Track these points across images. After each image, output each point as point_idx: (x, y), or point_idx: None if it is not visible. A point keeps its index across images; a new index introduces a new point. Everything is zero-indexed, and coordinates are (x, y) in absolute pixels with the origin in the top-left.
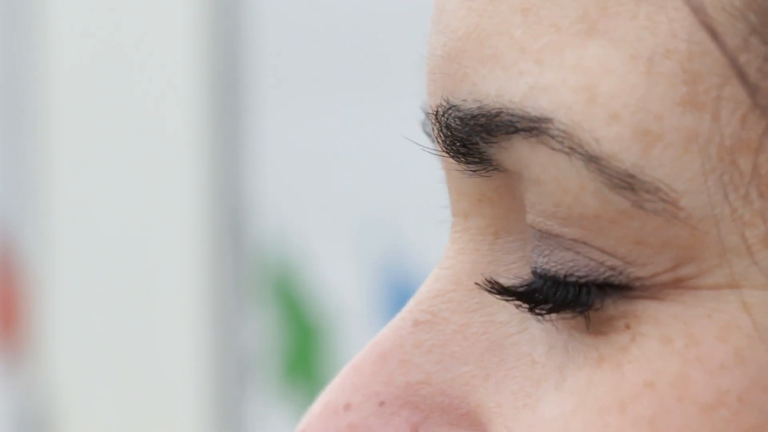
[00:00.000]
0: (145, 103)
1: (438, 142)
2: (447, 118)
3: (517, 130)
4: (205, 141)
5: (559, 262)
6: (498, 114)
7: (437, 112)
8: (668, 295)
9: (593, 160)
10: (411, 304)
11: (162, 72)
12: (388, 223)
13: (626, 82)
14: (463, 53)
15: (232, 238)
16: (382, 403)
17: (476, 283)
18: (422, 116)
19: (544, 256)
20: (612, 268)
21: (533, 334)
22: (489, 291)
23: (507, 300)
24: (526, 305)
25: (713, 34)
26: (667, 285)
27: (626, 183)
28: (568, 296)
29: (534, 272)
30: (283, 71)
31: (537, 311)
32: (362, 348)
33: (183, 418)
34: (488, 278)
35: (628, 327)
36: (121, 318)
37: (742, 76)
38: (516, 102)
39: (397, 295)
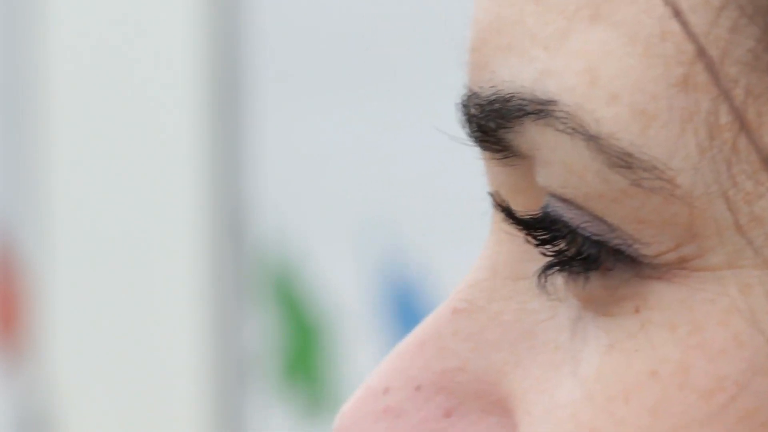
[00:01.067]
0: (145, 102)
1: (465, 130)
2: (469, 106)
3: (527, 114)
4: (205, 141)
5: (574, 212)
6: (510, 98)
7: (463, 101)
8: (675, 277)
9: (593, 140)
10: (452, 293)
11: (162, 72)
12: (388, 223)
13: (625, 63)
14: (485, 43)
15: (232, 238)
16: (418, 388)
17: (490, 194)
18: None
19: (559, 202)
20: (622, 241)
21: (560, 321)
22: (497, 210)
23: (512, 224)
24: (532, 237)
25: (676, 12)
26: (672, 265)
27: (624, 162)
28: (579, 246)
29: (544, 209)
30: (283, 70)
31: (543, 247)
32: (361, 348)
33: (183, 418)
34: (500, 201)
35: (637, 311)
36: (121, 318)
37: (706, 59)
38: (527, 87)
39: (397, 294)
